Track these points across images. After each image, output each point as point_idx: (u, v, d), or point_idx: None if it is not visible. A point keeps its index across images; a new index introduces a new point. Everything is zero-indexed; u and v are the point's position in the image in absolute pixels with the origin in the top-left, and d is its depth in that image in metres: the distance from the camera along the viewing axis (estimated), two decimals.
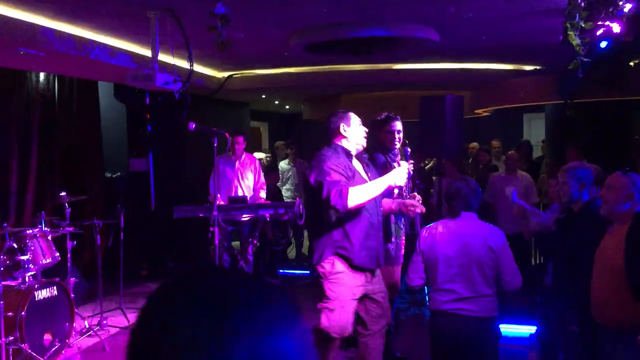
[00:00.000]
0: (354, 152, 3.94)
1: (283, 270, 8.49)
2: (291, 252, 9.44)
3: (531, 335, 5.15)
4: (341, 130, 3.90)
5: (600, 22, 3.98)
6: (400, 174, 3.77)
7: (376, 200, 3.90)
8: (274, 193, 8.20)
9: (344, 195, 3.53)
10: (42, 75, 7.20)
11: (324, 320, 3.80)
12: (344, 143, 3.91)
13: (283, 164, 9.87)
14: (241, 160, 7.19)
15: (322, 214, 3.76)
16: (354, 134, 3.91)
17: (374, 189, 3.71)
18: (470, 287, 3.50)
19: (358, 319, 3.97)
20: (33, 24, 4.80)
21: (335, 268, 3.78)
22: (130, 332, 0.79)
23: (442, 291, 3.58)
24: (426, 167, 8.91)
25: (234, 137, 7.04)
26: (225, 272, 0.89)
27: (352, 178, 3.74)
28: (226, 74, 8.19)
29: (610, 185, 3.26)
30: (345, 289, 3.79)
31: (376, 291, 3.96)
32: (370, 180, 3.89)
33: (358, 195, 3.59)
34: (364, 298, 3.92)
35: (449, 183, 3.87)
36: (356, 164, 3.94)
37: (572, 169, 3.90)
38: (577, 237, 3.71)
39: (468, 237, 3.56)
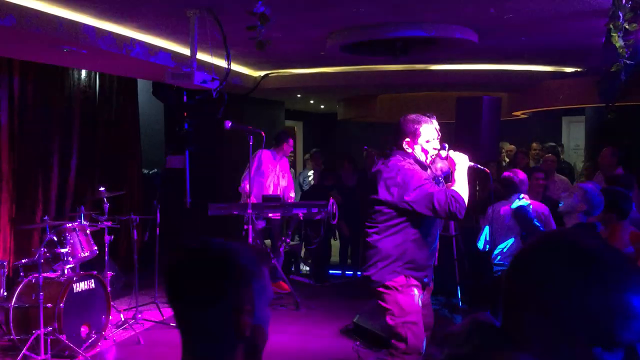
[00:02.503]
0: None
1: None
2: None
3: None
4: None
5: None
6: (464, 157, 3.64)
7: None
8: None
9: (460, 200, 3.36)
10: (83, 73, 7.36)
11: (411, 338, 3.51)
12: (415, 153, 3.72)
13: (307, 170, 10.11)
14: (283, 161, 7.30)
15: (391, 227, 3.58)
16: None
17: (465, 183, 3.52)
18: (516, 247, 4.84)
19: None
20: (76, 22, 4.91)
21: (408, 281, 3.61)
22: (505, 276, 1.06)
23: (500, 254, 5.02)
24: None
25: (289, 139, 7.32)
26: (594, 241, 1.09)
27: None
28: (262, 73, 8.24)
29: None
30: (417, 301, 3.63)
31: (425, 301, 3.83)
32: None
33: (464, 194, 3.43)
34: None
35: (504, 176, 5.13)
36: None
37: (588, 188, 3.85)
38: None
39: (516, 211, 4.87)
